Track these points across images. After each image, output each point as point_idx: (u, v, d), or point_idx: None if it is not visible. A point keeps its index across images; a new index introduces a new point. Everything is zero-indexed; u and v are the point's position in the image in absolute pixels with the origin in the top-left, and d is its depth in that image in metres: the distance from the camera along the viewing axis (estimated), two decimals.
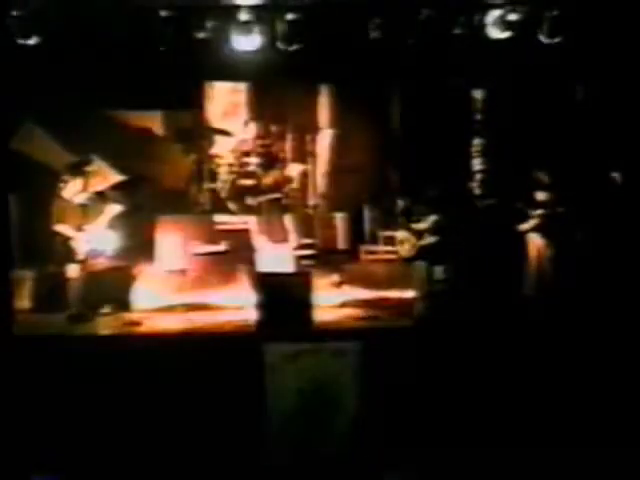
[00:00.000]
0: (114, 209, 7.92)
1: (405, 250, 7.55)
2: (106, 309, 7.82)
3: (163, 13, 7.49)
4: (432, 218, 7.49)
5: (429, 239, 7.45)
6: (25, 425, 6.32)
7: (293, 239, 8.01)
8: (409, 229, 7.58)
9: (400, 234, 7.64)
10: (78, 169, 7.83)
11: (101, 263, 7.70)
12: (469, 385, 6.58)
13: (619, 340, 6.76)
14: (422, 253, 7.44)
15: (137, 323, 7.37)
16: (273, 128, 9.25)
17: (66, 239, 7.56)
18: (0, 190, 7.10)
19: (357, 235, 8.76)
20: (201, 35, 7.74)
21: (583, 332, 6.82)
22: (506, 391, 6.58)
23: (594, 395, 6.59)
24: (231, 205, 9.06)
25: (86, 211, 7.74)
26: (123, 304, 7.94)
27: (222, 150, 9.30)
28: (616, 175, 8.16)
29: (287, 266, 7.71)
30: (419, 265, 7.48)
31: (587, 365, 6.64)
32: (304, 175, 9.25)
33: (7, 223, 6.98)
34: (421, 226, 7.49)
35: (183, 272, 8.26)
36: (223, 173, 9.19)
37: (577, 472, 6.26)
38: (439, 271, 7.41)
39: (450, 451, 6.43)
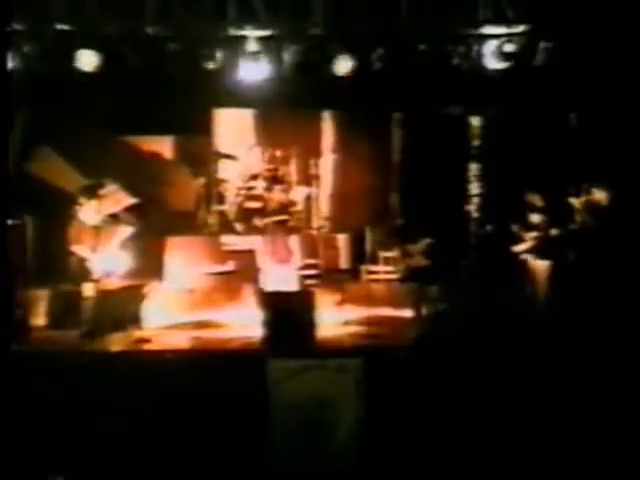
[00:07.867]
0: (126, 231, 8.07)
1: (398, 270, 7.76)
2: (118, 327, 8.02)
3: (173, 44, 7.81)
4: (425, 240, 7.64)
5: (422, 260, 7.61)
6: (36, 438, 6.36)
7: (297, 259, 8.10)
8: (402, 249, 7.75)
9: (393, 254, 7.86)
10: (92, 192, 8.02)
11: (114, 282, 7.83)
12: (467, 400, 6.64)
13: (615, 359, 6.81)
14: (415, 274, 7.60)
15: (147, 340, 7.54)
16: (279, 153, 9.45)
17: (81, 259, 7.71)
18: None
19: (359, 255, 8.94)
20: (210, 64, 8.07)
21: (579, 352, 6.89)
22: (504, 405, 6.64)
23: (593, 409, 6.64)
24: (238, 226, 9.24)
25: (100, 233, 7.88)
26: (134, 322, 8.05)
27: (230, 174, 9.51)
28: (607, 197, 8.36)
29: (291, 285, 7.80)
30: (412, 285, 7.65)
31: (584, 381, 6.70)
32: (308, 198, 9.45)
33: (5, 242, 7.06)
34: (415, 247, 7.65)
35: (191, 291, 8.42)
36: (230, 196, 9.40)
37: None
38: (432, 292, 7.53)
39: (450, 465, 6.50)
